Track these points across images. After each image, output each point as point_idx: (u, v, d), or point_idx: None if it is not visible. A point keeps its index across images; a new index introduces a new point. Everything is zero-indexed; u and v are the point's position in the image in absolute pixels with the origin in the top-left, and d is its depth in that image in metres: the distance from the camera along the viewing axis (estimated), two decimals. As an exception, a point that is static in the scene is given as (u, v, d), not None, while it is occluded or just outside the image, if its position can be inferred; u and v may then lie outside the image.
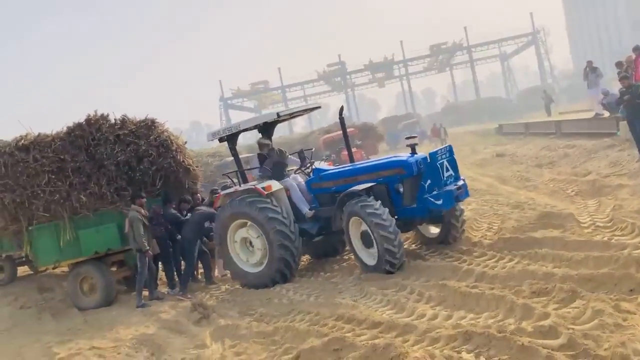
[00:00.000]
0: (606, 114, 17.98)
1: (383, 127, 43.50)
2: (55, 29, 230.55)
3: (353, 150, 27.77)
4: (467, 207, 12.11)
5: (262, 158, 10.06)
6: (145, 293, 9.75)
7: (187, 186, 10.82)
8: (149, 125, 10.54)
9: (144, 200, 9.73)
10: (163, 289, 10.47)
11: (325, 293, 7.93)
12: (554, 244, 7.53)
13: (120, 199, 10.10)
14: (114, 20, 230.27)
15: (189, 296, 9.50)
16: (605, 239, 7.42)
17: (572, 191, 11.63)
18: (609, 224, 8.17)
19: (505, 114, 56.47)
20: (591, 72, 19.73)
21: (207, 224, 10.22)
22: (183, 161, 10.65)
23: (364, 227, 8.19)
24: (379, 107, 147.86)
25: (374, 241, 8.04)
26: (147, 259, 9.44)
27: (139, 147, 10.21)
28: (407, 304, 6.43)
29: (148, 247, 9.43)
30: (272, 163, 9.84)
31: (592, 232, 8.00)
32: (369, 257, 8.31)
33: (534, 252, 7.34)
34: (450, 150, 8.88)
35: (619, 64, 16.14)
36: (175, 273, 10.45)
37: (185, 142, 11.30)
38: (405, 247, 9.02)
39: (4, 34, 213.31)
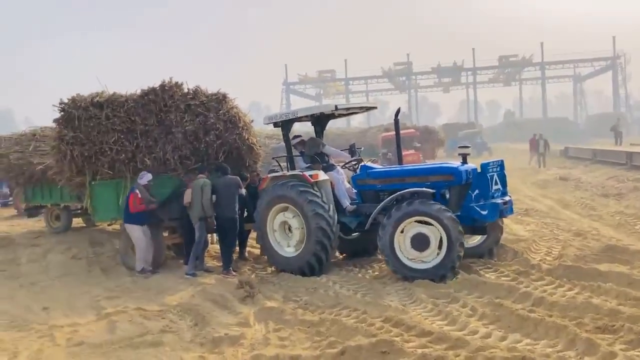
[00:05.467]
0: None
1: (444, 133, 42.76)
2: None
3: (411, 152, 27.58)
4: (525, 228, 11.83)
5: (301, 152, 10.16)
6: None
7: (247, 164, 10.86)
8: (220, 99, 10.60)
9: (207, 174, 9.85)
10: (210, 262, 10.57)
11: (372, 292, 7.81)
12: (620, 280, 7.17)
13: (182, 167, 10.23)
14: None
15: (234, 273, 9.51)
16: (677, 283, 7.00)
17: (640, 227, 11.08)
18: (681, 268, 7.73)
19: (571, 137, 54.76)
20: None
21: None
22: (248, 138, 10.68)
23: (420, 229, 8.09)
24: (440, 113, 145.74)
25: (434, 241, 7.98)
26: (205, 228, 9.57)
27: (208, 119, 10.29)
28: (459, 318, 6.23)
29: (214, 214, 9.56)
30: (312, 154, 9.86)
31: (661, 274, 7.57)
32: (412, 260, 8.20)
33: (597, 285, 7.00)
34: (501, 164, 8.99)
35: None
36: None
37: (252, 121, 11.33)
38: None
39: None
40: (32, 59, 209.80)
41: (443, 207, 8.12)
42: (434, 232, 8.03)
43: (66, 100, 10.30)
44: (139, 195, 9.59)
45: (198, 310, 7.43)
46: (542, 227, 11.82)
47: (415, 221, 8.19)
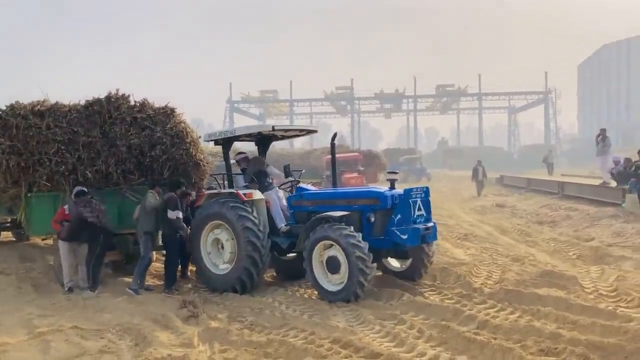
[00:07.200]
0: (613, 183, 18.04)
1: (386, 158, 43.53)
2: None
3: (355, 175, 27.75)
4: (466, 252, 12.11)
5: (243, 169, 10.18)
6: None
7: (193, 181, 10.66)
8: (168, 114, 10.43)
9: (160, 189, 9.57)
10: (151, 281, 10.23)
11: (320, 313, 7.75)
12: (558, 304, 7.41)
13: (125, 181, 9.93)
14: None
15: (176, 292, 9.26)
16: (610, 308, 7.31)
17: (574, 254, 11.56)
18: (613, 294, 8.08)
19: (505, 166, 56.84)
20: (602, 140, 19.86)
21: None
22: (195, 155, 10.52)
23: (333, 252, 8.26)
24: (381, 138, 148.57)
25: (344, 264, 8.09)
26: (151, 245, 9.30)
27: (154, 133, 10.08)
28: (407, 340, 6.26)
29: (158, 230, 9.32)
30: (253, 172, 9.88)
31: (595, 299, 7.90)
32: (331, 283, 8.37)
33: (537, 308, 7.21)
34: (426, 191, 9.09)
35: None
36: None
37: (200, 137, 11.16)
38: (401, 281, 9.07)
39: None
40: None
41: (336, 226, 8.25)
42: (340, 252, 8.17)
43: (4, 107, 9.83)
44: (66, 212, 9.17)
45: (139, 329, 7.13)
46: (481, 252, 12.14)
47: (325, 247, 8.36)
